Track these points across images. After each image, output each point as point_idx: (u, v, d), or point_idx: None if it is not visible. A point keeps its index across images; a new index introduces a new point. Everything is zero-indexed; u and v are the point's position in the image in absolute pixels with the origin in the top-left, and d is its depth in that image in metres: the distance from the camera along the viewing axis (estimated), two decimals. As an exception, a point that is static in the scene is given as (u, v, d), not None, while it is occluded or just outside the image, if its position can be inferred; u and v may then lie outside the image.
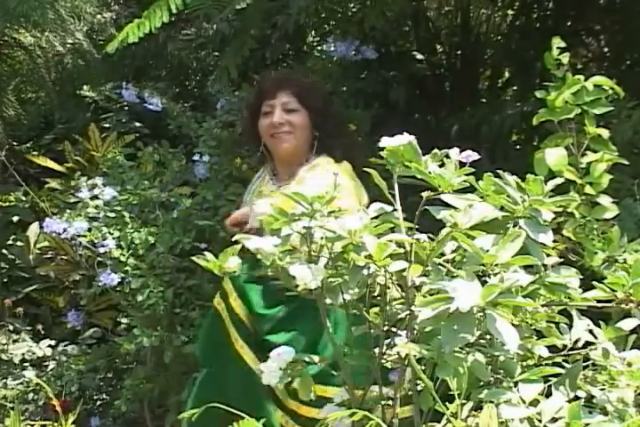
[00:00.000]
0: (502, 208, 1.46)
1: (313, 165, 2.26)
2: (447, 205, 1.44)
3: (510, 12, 3.48)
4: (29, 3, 3.21)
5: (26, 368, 2.97)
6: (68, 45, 3.77)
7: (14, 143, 3.86)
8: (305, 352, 1.80)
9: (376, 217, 1.49)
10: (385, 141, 1.50)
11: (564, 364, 1.50)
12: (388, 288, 1.49)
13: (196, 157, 2.80)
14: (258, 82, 2.69)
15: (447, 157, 1.50)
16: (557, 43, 1.99)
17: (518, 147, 3.24)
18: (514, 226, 1.44)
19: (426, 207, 1.44)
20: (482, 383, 1.37)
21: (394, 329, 1.54)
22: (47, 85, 3.94)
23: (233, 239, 1.56)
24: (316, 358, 1.61)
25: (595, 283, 1.49)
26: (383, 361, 1.56)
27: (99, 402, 2.93)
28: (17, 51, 3.90)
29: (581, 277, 1.49)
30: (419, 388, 1.45)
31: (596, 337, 1.51)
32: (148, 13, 2.53)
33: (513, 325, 1.29)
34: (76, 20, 3.67)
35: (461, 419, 1.31)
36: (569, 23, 3.33)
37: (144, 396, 2.64)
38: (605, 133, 1.98)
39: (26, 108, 4.14)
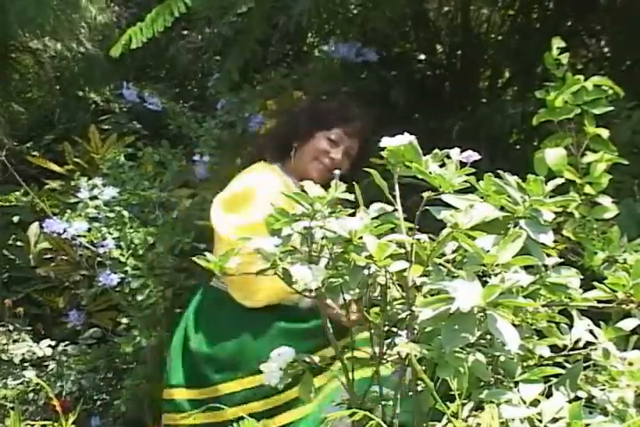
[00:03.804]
0: (503, 208, 1.46)
1: None
2: (448, 206, 1.44)
3: (510, 12, 3.48)
4: (45, 12, 3.25)
5: (26, 368, 2.96)
6: (77, 51, 3.78)
7: (14, 143, 3.86)
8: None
9: (376, 217, 1.49)
10: (385, 141, 1.50)
11: (565, 364, 1.50)
12: (389, 288, 1.49)
13: (196, 158, 2.81)
14: (354, 103, 2.45)
15: (448, 157, 1.50)
16: (557, 43, 1.99)
17: (518, 147, 3.23)
18: (514, 226, 1.44)
19: (426, 207, 1.44)
20: (482, 383, 1.38)
21: (394, 329, 1.54)
22: (52, 87, 3.95)
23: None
24: (316, 358, 1.61)
25: (595, 283, 1.49)
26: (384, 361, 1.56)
27: (99, 402, 2.93)
28: (24, 54, 3.92)
29: (582, 277, 1.49)
30: (419, 388, 1.46)
31: (596, 337, 1.51)
32: (150, 17, 2.53)
33: (513, 325, 1.29)
34: (85, 26, 3.69)
35: (462, 419, 1.31)
36: (569, 23, 3.33)
37: (144, 396, 2.64)
38: (605, 133, 1.98)
39: (26, 108, 4.15)
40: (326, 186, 2.28)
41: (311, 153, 2.31)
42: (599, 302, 1.48)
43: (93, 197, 2.62)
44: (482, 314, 1.29)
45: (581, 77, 1.97)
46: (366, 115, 2.41)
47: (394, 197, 1.50)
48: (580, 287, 1.48)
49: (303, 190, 1.49)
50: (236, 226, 2.14)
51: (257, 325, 2.14)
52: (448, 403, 1.31)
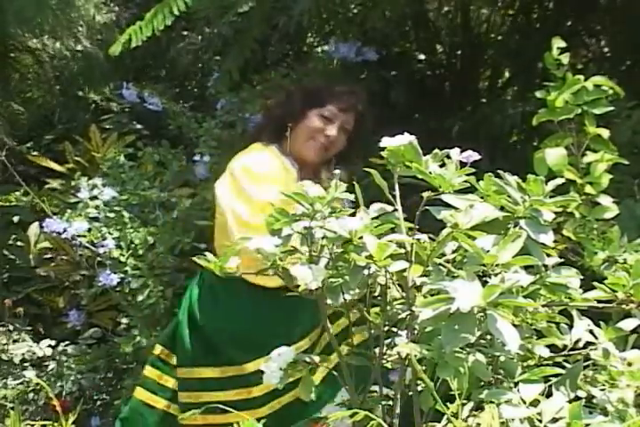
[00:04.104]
0: (503, 208, 1.46)
1: None
2: (448, 206, 1.44)
3: (510, 12, 3.48)
4: (44, 11, 3.26)
5: (26, 368, 2.97)
6: (77, 51, 3.78)
7: (14, 143, 3.86)
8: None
9: (376, 217, 1.49)
10: (386, 141, 1.50)
11: (565, 364, 1.50)
12: (389, 288, 1.50)
13: (196, 158, 2.81)
14: (338, 83, 2.47)
15: (448, 157, 1.50)
16: (557, 43, 1.99)
17: (518, 147, 3.23)
18: (514, 226, 1.44)
19: (426, 207, 1.44)
20: (482, 383, 1.38)
21: (394, 329, 1.54)
22: (52, 87, 3.95)
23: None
24: (316, 358, 1.61)
25: (595, 283, 1.49)
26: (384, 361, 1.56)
27: (99, 402, 2.93)
28: (23, 54, 3.92)
29: (582, 277, 1.49)
30: (419, 388, 1.46)
31: (596, 337, 1.51)
32: (150, 16, 2.53)
33: (513, 325, 1.29)
34: (84, 25, 3.70)
35: (462, 419, 1.31)
36: (569, 23, 3.32)
37: (144, 396, 2.64)
38: (605, 133, 1.98)
39: (26, 108, 4.15)
40: (323, 163, 2.30)
41: (306, 132, 2.28)
42: (599, 302, 1.48)
43: (93, 197, 2.62)
44: (482, 314, 1.29)
45: (581, 77, 1.97)
46: (358, 89, 2.40)
47: (394, 197, 1.50)
48: (580, 287, 1.48)
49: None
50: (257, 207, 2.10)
51: (270, 300, 2.10)
52: (448, 403, 1.31)
